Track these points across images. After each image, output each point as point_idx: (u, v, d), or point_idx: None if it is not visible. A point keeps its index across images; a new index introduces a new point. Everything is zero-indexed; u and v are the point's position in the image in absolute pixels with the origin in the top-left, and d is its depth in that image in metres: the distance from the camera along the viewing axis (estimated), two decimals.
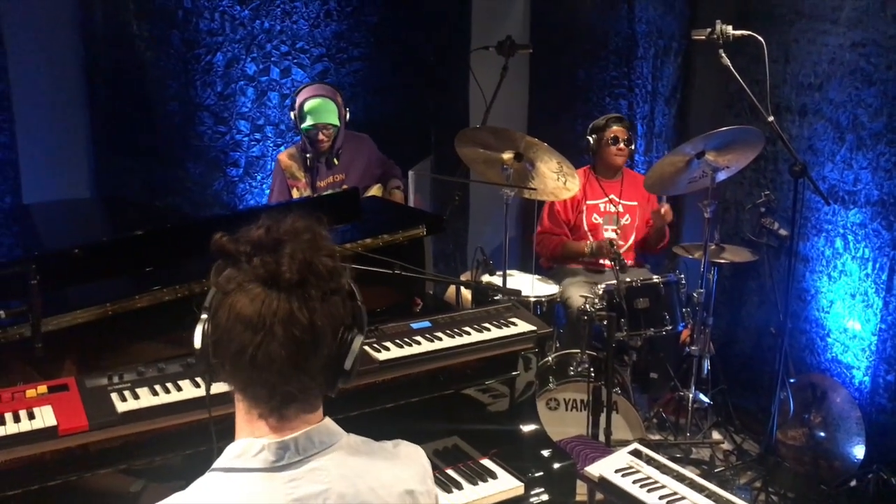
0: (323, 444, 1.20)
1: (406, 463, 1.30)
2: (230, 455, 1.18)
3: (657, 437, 3.89)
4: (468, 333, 2.14)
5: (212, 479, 1.17)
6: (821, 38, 3.56)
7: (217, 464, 1.19)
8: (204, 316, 1.20)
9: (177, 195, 4.03)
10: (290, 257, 1.14)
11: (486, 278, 3.73)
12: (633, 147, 4.02)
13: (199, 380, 1.80)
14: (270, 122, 4.16)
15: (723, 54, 3.31)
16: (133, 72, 3.85)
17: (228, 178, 4.12)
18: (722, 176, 3.53)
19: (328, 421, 1.24)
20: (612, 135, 3.92)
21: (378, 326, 2.09)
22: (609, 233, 3.99)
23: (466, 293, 3.98)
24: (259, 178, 4.18)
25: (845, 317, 3.57)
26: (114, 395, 1.71)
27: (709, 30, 3.34)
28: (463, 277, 4.09)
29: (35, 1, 3.65)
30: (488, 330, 2.17)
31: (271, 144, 4.18)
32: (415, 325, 2.14)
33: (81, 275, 2.28)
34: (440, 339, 2.10)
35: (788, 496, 3.43)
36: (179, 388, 1.75)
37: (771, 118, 3.28)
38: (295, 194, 3.76)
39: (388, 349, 2.01)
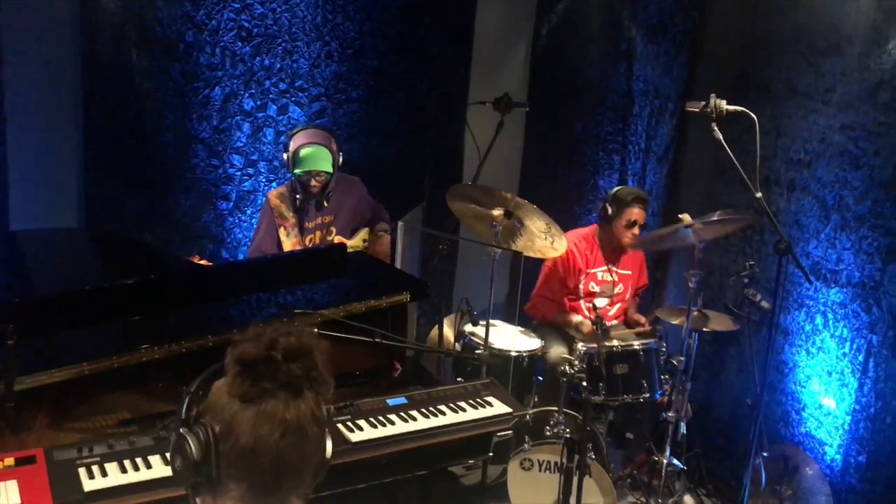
0: None
1: None
2: None
3: (629, 497, 3.89)
4: (443, 414, 2.15)
5: None
6: (812, 116, 3.61)
7: None
8: (183, 429, 1.22)
9: (166, 226, 4.03)
10: (315, 361, 1.22)
11: (468, 328, 3.75)
12: (646, 229, 3.93)
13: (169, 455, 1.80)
14: (264, 158, 4.17)
15: (715, 128, 3.33)
16: (130, 101, 3.85)
17: (218, 211, 4.13)
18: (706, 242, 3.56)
19: None
20: (632, 218, 3.82)
21: (353, 402, 2.10)
22: (601, 299, 4.00)
23: (448, 332, 4.01)
24: (249, 212, 4.18)
25: (821, 393, 3.59)
26: (81, 471, 1.71)
27: (703, 103, 3.36)
28: (447, 322, 4.11)
29: (36, 26, 3.65)
30: (464, 410, 2.18)
31: (263, 180, 4.19)
32: (390, 402, 2.16)
33: (63, 323, 2.28)
34: (415, 419, 2.10)
35: None
36: (149, 465, 1.75)
37: (759, 194, 3.31)
38: (282, 234, 3.76)
39: (361, 429, 2.01)
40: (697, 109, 3.39)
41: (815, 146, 3.61)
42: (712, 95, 3.33)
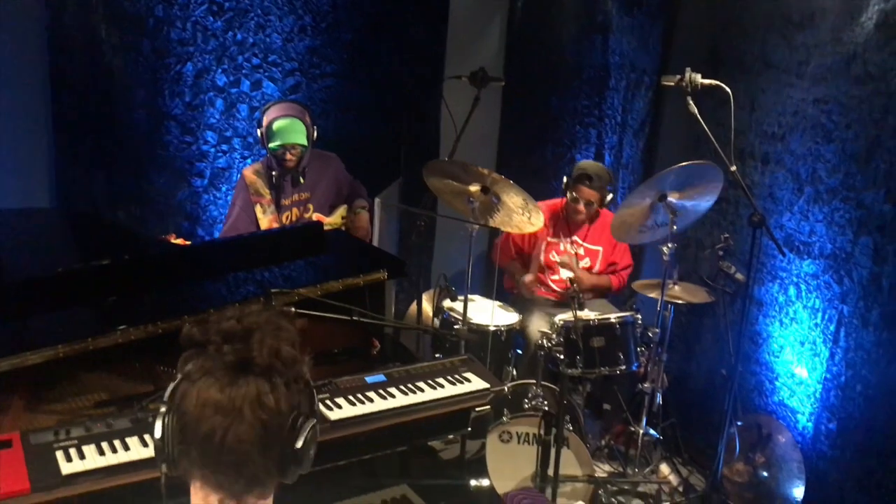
0: None
1: None
2: None
3: (607, 467, 3.96)
4: (422, 390, 2.16)
5: None
6: (786, 90, 3.63)
7: None
8: (163, 409, 1.24)
9: (139, 204, 3.98)
10: (260, 344, 1.21)
11: (447, 303, 3.77)
12: (602, 204, 3.95)
13: (147, 437, 1.80)
14: (238, 135, 4.12)
15: (690, 102, 3.35)
16: (100, 78, 3.78)
17: (193, 189, 4.09)
18: (684, 224, 3.57)
19: None
20: (575, 194, 3.89)
21: (332, 380, 2.11)
22: (566, 272, 4.03)
23: (427, 308, 4.02)
24: (224, 189, 4.15)
25: (794, 363, 3.66)
26: (59, 454, 1.70)
27: (678, 77, 3.37)
28: (425, 297, 4.12)
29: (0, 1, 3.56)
30: (442, 386, 2.20)
31: (238, 156, 4.15)
32: (369, 380, 2.16)
33: (37, 305, 2.26)
34: (393, 396, 2.12)
35: None
36: (127, 447, 1.75)
37: (733, 168, 3.34)
38: (258, 210, 3.74)
39: (340, 407, 2.02)
40: (673, 84, 3.40)
41: (788, 119, 3.63)
42: (687, 69, 3.34)
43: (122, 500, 1.76)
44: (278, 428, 1.21)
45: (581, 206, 3.91)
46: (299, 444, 1.24)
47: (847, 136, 3.34)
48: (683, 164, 3.39)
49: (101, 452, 1.74)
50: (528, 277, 4.02)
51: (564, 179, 3.96)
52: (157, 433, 1.25)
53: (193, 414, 1.19)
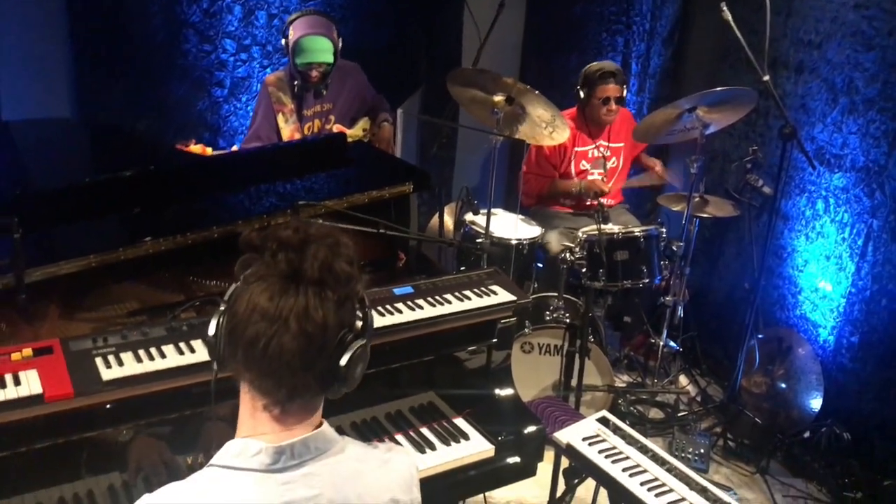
0: (318, 451, 1.26)
1: (395, 471, 1.36)
2: (229, 453, 1.24)
3: (626, 377, 4.04)
4: (449, 302, 2.17)
5: (208, 474, 1.23)
6: None
7: (215, 460, 1.25)
8: (222, 307, 1.26)
9: (159, 114, 3.95)
10: (313, 257, 1.20)
11: (469, 217, 3.76)
12: (624, 101, 3.93)
13: (182, 345, 1.84)
14: (257, 43, 4.04)
15: (724, 8, 3.23)
16: None
17: (213, 99, 4.04)
18: (711, 129, 3.52)
19: (326, 427, 1.30)
20: (603, 94, 3.82)
21: None
22: (595, 176, 4.01)
23: (448, 221, 4.02)
24: (244, 99, 4.10)
25: (818, 277, 3.64)
26: (98, 360, 1.74)
27: None
28: (447, 209, 4.11)
29: None
30: (469, 299, 2.21)
31: (257, 66, 4.07)
32: (397, 291, 2.18)
33: (65, 216, 2.27)
34: (421, 307, 2.13)
35: (745, 443, 3.60)
36: (163, 355, 1.78)
37: (766, 77, 3.24)
38: (280, 119, 3.70)
39: None
40: None
41: (826, 26, 3.49)
42: None
43: (158, 405, 1.80)
44: (323, 343, 1.21)
45: (612, 105, 3.85)
46: (343, 361, 1.24)
47: (888, 44, 3.21)
48: (720, 88, 3.32)
49: (139, 360, 1.78)
50: (588, 182, 3.96)
51: (581, 92, 3.89)
52: (211, 331, 1.27)
53: (242, 317, 1.20)
